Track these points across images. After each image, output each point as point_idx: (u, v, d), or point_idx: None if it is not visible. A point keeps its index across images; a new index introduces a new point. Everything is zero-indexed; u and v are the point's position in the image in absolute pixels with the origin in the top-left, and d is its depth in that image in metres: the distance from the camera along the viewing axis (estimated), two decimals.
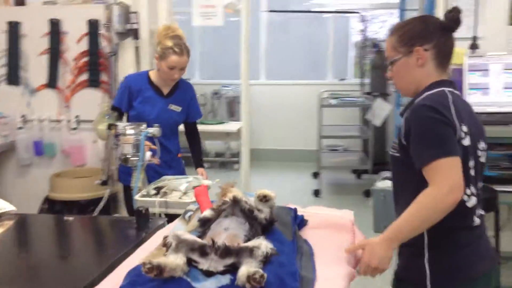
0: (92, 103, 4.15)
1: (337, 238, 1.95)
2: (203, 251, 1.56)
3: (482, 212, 1.90)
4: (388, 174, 3.77)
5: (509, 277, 3.35)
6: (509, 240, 3.71)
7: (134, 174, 2.79)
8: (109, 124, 2.90)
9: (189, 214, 2.08)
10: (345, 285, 1.62)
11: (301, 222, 2.03)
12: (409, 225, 1.74)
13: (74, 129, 4.19)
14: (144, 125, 2.82)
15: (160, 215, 2.48)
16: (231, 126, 5.50)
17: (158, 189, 2.76)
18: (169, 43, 3.10)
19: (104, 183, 2.93)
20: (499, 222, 3.30)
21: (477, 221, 1.86)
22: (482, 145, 1.91)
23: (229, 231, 1.66)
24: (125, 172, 3.09)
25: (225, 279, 1.52)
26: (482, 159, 1.90)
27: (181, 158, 3.44)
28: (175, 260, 1.51)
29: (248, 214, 1.75)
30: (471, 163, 1.82)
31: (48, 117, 4.24)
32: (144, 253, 1.79)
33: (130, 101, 3.25)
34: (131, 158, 2.73)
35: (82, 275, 1.72)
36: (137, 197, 2.68)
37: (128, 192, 3.24)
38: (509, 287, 3.70)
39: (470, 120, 1.86)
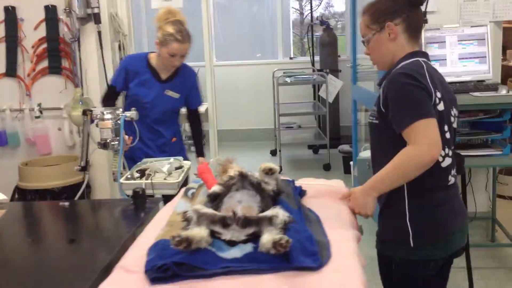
0: (54, 90, 4.08)
1: (336, 205, 2.05)
2: (224, 222, 1.62)
3: (455, 172, 2.05)
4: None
5: (473, 236, 3.58)
6: (470, 201, 3.95)
7: (115, 159, 2.79)
8: (84, 110, 2.88)
9: (191, 191, 2.13)
10: (355, 246, 1.72)
11: (300, 193, 2.11)
12: (389, 178, 1.89)
13: (38, 117, 4.11)
14: (121, 109, 2.82)
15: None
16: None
17: (141, 171, 2.78)
18: (171, 29, 3.03)
19: (83, 168, 2.92)
20: (466, 185, 3.49)
21: (452, 180, 2.01)
22: (454, 111, 2.06)
23: (242, 204, 1.72)
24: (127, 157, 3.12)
25: (248, 247, 1.59)
26: (454, 125, 2.06)
27: (178, 142, 3.41)
28: (200, 232, 1.56)
29: (257, 187, 1.82)
30: (446, 127, 1.97)
31: (10, 106, 4.14)
32: (154, 232, 1.82)
33: (126, 82, 3.21)
34: (111, 143, 2.72)
35: (96, 259, 1.74)
36: (122, 180, 2.69)
37: None
38: (477, 245, 3.95)
39: (442, 88, 1.99)
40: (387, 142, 1.98)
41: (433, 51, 3.90)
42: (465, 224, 2.08)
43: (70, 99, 3.88)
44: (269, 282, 1.46)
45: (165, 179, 2.66)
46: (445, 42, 3.91)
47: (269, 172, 1.89)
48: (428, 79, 1.92)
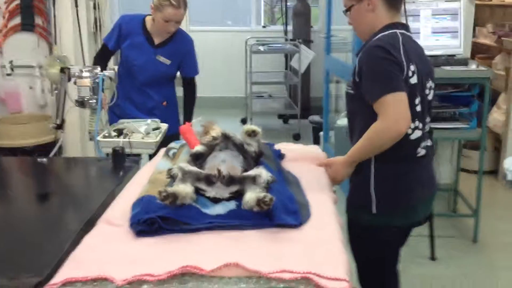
0: (26, 47, 4.01)
1: (314, 168, 2.12)
2: (209, 180, 1.66)
3: (429, 143, 2.12)
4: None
5: (436, 206, 3.70)
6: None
7: (92, 117, 2.79)
8: (61, 67, 2.86)
9: (173, 151, 2.15)
10: (333, 207, 1.79)
11: (279, 156, 2.16)
12: (364, 150, 1.98)
13: (9, 75, 4.04)
14: (99, 69, 2.81)
15: None
16: None
17: (118, 131, 2.79)
18: None
19: (58, 127, 2.91)
20: (433, 156, 3.60)
21: (421, 152, 2.07)
22: (430, 83, 2.10)
23: (226, 163, 1.76)
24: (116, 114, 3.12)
25: (232, 205, 1.64)
26: (430, 97, 2.10)
27: (171, 107, 3.35)
28: (185, 189, 1.60)
29: (240, 148, 1.86)
30: (417, 100, 2.01)
31: None
32: (136, 188, 1.85)
33: (119, 42, 3.17)
34: (89, 101, 2.71)
35: (78, 213, 1.77)
36: (99, 138, 2.70)
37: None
38: (439, 215, 4.09)
39: (419, 60, 2.04)
40: (363, 111, 2.03)
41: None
42: (431, 195, 2.17)
43: (46, 57, 3.82)
44: (252, 237, 1.52)
45: (142, 138, 2.69)
46: (419, 15, 3.97)
47: (252, 134, 1.93)
48: (402, 52, 1.95)
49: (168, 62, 3.20)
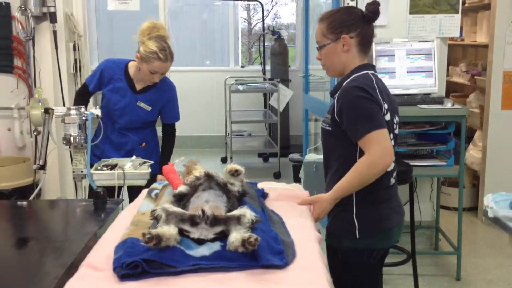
0: (4, 89, 3.97)
1: (297, 207, 2.12)
2: (193, 221, 1.64)
3: (395, 174, 2.27)
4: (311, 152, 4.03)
5: (418, 244, 3.73)
6: (416, 210, 4.08)
7: (76, 156, 2.77)
8: (45, 108, 2.86)
9: (155, 192, 2.14)
10: (317, 246, 1.78)
11: (263, 195, 2.16)
12: (350, 186, 2.11)
13: None
14: (83, 108, 2.81)
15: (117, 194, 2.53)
16: None
17: (108, 166, 2.81)
18: (153, 46, 2.95)
19: (41, 167, 2.88)
20: (413, 193, 3.63)
21: (392, 181, 2.23)
22: (396, 119, 2.25)
23: (210, 203, 1.75)
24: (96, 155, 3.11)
25: (216, 245, 1.62)
26: (396, 131, 2.25)
27: (150, 147, 3.31)
28: (169, 230, 1.58)
29: (224, 187, 1.85)
30: (391, 135, 2.16)
31: None
32: (118, 231, 1.83)
33: (99, 85, 3.18)
34: (76, 138, 2.71)
35: (60, 257, 1.73)
36: (93, 170, 2.69)
37: None
38: (421, 253, 4.10)
39: (388, 98, 2.19)
40: (340, 147, 2.17)
41: (383, 64, 4.04)
42: (401, 220, 2.31)
43: (26, 99, 3.80)
44: (238, 279, 1.51)
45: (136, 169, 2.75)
46: (394, 55, 4.06)
47: (234, 173, 1.93)
48: (378, 92, 2.11)
49: (148, 108, 3.19)
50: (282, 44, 7.35)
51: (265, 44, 7.66)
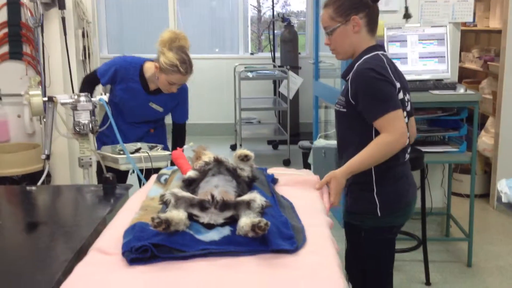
0: (14, 76, 3.99)
1: (307, 193, 2.10)
2: (202, 206, 1.63)
3: (409, 149, 2.33)
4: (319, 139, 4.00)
5: (429, 230, 3.70)
6: (427, 196, 4.05)
7: (83, 143, 2.76)
8: (49, 97, 2.83)
9: (164, 177, 2.12)
10: (328, 231, 1.76)
11: (273, 181, 2.14)
12: (366, 162, 2.13)
13: None
14: (85, 94, 2.80)
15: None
16: None
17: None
18: (174, 59, 2.90)
19: (48, 157, 2.87)
20: (424, 178, 3.60)
21: (407, 157, 2.30)
22: (407, 97, 2.29)
23: (219, 188, 1.73)
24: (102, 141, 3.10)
25: (226, 230, 1.60)
26: (408, 108, 2.29)
27: (158, 131, 3.32)
28: (179, 215, 1.56)
29: (233, 172, 1.83)
30: (404, 113, 2.21)
31: None
32: (127, 215, 1.82)
33: (112, 82, 3.14)
34: (90, 125, 2.69)
35: (69, 242, 1.73)
36: (120, 157, 2.70)
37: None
38: (432, 239, 4.07)
39: (398, 77, 2.23)
40: (355, 128, 2.22)
41: (394, 49, 3.99)
42: (416, 195, 2.37)
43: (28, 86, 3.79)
44: (247, 264, 1.48)
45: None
46: (406, 41, 4.01)
47: (244, 158, 1.91)
48: (390, 72, 2.15)
49: (160, 109, 3.18)
50: (292, 31, 7.30)
51: (275, 31, 7.61)
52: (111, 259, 1.51)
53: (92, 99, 2.73)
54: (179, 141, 3.31)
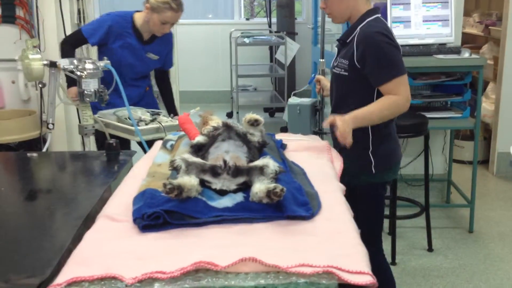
0: (7, 40, 3.86)
1: (317, 158, 2.04)
2: (214, 171, 1.57)
3: None
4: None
5: (430, 197, 3.68)
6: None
7: (86, 111, 2.68)
8: (51, 62, 2.73)
9: (170, 143, 2.06)
10: (342, 197, 1.71)
11: (281, 146, 2.08)
12: (373, 114, 2.15)
13: None
14: (96, 60, 2.72)
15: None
16: None
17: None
18: None
19: (53, 126, 2.79)
20: (428, 146, 3.55)
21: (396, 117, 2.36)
22: None
23: (230, 154, 1.67)
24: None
25: (239, 197, 1.55)
26: None
27: (150, 91, 3.38)
28: (190, 181, 1.51)
29: (244, 137, 1.77)
30: None
31: None
32: (134, 182, 1.76)
33: (105, 40, 3.08)
34: (99, 92, 2.64)
35: (77, 208, 1.68)
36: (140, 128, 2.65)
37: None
38: (434, 205, 4.06)
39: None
40: (356, 91, 2.24)
41: (398, 12, 3.90)
42: (401, 155, 2.48)
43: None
44: (263, 230, 1.44)
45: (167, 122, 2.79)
46: (409, 4, 3.91)
47: (254, 123, 1.86)
48: (394, 35, 2.19)
49: (156, 57, 3.21)
50: None
51: None
52: (121, 226, 1.46)
53: (98, 64, 2.65)
54: (168, 86, 3.42)
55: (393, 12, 3.88)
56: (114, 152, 2.17)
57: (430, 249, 3.55)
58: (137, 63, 3.15)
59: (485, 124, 5.05)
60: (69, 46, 3.13)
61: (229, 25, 7.40)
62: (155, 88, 3.49)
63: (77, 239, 1.41)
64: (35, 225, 1.57)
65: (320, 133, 4.06)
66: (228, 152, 1.68)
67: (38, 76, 2.79)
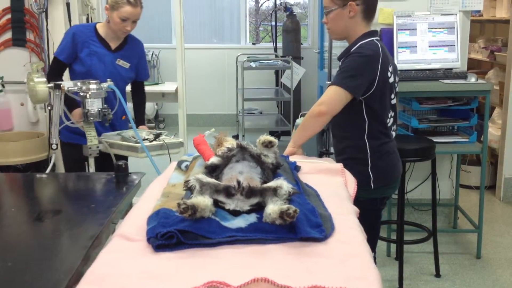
0: (17, 63, 3.91)
1: (331, 180, 2.03)
2: (228, 192, 1.56)
3: (394, 127, 2.56)
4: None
5: (438, 222, 3.66)
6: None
7: (90, 132, 2.70)
8: (56, 84, 2.74)
9: (185, 164, 2.05)
10: (355, 219, 1.70)
11: (295, 168, 2.08)
12: (300, 129, 2.44)
13: (0, 91, 3.93)
14: (98, 81, 2.73)
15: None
16: (167, 87, 5.04)
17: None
18: None
19: (56, 146, 2.81)
20: (435, 169, 3.55)
21: (393, 134, 2.54)
22: (397, 79, 2.54)
23: (244, 175, 1.67)
24: (70, 130, 3.01)
25: (252, 217, 1.54)
26: (397, 89, 2.56)
27: (126, 121, 3.30)
28: (204, 201, 1.51)
29: (258, 159, 1.78)
30: (393, 95, 2.48)
31: None
32: (149, 202, 1.76)
33: (74, 53, 3.06)
34: (102, 111, 2.68)
35: (86, 230, 1.68)
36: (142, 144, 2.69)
37: (69, 149, 3.12)
38: (442, 230, 4.03)
39: (391, 61, 2.46)
40: (346, 110, 2.36)
41: (404, 38, 3.94)
42: (401, 171, 2.66)
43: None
44: (276, 251, 1.42)
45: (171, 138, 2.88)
46: (416, 29, 3.95)
47: (268, 144, 1.86)
48: (381, 59, 2.34)
49: (127, 65, 3.17)
50: (294, 21, 7.22)
51: (278, 23, 7.53)
52: (136, 245, 1.45)
53: (102, 84, 2.67)
54: (142, 100, 3.41)
55: (399, 37, 3.92)
56: (123, 174, 2.17)
57: (437, 274, 3.53)
58: (108, 71, 3.09)
59: (491, 149, 5.05)
60: (55, 77, 3.06)
61: (236, 50, 7.48)
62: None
63: (87, 259, 1.41)
64: (45, 246, 1.58)
65: (326, 153, 4.11)
66: (242, 173, 1.68)
67: (43, 98, 2.79)
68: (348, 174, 2.13)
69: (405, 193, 3.50)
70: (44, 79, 2.80)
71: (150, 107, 7.23)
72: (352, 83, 2.29)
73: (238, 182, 1.57)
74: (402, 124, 3.97)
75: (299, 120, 4.13)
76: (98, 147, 2.73)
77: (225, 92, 7.64)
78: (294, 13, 7.26)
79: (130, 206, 2.13)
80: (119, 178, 2.18)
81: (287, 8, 7.24)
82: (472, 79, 3.70)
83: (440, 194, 4.23)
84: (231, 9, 8.20)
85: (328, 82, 2.42)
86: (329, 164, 2.22)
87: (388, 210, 3.89)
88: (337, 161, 2.41)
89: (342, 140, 2.50)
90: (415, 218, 4.12)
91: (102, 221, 1.72)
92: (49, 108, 3.43)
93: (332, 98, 2.30)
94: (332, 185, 1.97)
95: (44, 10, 3.78)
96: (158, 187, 1.90)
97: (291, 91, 6.30)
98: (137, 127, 3.22)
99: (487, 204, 4.62)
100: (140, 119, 3.36)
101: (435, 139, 3.60)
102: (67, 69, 3.17)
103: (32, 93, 2.79)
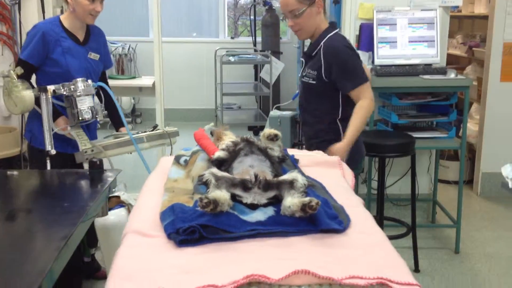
0: None
1: (330, 172, 2.04)
2: (245, 185, 1.57)
3: None
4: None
5: (418, 217, 3.67)
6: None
7: (82, 136, 2.62)
8: (40, 87, 2.61)
9: (184, 158, 2.01)
10: (366, 210, 1.71)
11: (294, 161, 2.06)
12: (359, 128, 2.58)
13: None
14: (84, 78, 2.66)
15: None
16: (144, 81, 4.93)
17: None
18: None
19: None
20: (415, 166, 3.54)
21: None
22: None
23: (255, 168, 1.67)
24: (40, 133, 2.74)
25: (270, 211, 1.55)
26: None
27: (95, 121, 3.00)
28: (223, 195, 1.49)
29: (265, 152, 1.77)
30: None
31: None
32: (153, 197, 1.73)
33: (46, 53, 2.83)
34: (94, 108, 2.64)
35: (61, 228, 1.61)
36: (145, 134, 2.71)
37: (37, 154, 2.82)
38: (421, 226, 4.04)
39: None
40: (323, 98, 2.64)
41: (384, 33, 3.92)
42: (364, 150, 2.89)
43: (12, 66, 3.59)
44: (301, 244, 1.43)
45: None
46: (396, 24, 3.94)
47: (274, 138, 1.86)
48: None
49: (97, 57, 3.00)
50: (273, 15, 7.17)
51: (256, 17, 7.48)
52: (155, 241, 1.44)
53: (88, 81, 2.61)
54: (110, 95, 2.96)
55: (379, 32, 3.91)
56: (97, 170, 2.11)
57: (416, 269, 3.53)
58: (83, 66, 2.92)
59: (469, 145, 5.08)
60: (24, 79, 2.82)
61: (214, 44, 7.41)
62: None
63: (60, 261, 1.35)
64: (16, 247, 1.52)
65: (299, 144, 4.08)
66: (252, 167, 1.69)
67: (31, 105, 2.65)
68: (345, 166, 2.12)
69: (384, 188, 3.49)
70: (27, 84, 2.68)
71: (127, 101, 7.12)
72: (365, 74, 2.63)
73: (255, 176, 1.57)
74: (381, 120, 3.96)
75: (273, 113, 4.16)
76: (92, 150, 2.59)
77: (203, 86, 7.57)
78: (274, 8, 7.20)
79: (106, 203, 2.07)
80: (94, 175, 2.12)
81: (266, 2, 7.21)
82: (452, 74, 3.70)
83: (419, 189, 4.23)
84: (210, 3, 8.12)
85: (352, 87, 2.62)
86: (326, 156, 2.25)
87: (367, 205, 3.88)
88: (310, 145, 2.70)
89: (315, 124, 2.71)
90: (394, 213, 4.12)
91: (75, 221, 1.66)
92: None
93: (371, 92, 2.61)
94: (333, 177, 1.98)
95: (17, 2, 3.66)
96: (156, 181, 1.87)
97: (270, 85, 6.26)
98: (117, 130, 3.06)
99: (465, 199, 4.63)
100: (119, 120, 2.99)
101: (415, 135, 3.60)
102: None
103: (20, 102, 2.62)
